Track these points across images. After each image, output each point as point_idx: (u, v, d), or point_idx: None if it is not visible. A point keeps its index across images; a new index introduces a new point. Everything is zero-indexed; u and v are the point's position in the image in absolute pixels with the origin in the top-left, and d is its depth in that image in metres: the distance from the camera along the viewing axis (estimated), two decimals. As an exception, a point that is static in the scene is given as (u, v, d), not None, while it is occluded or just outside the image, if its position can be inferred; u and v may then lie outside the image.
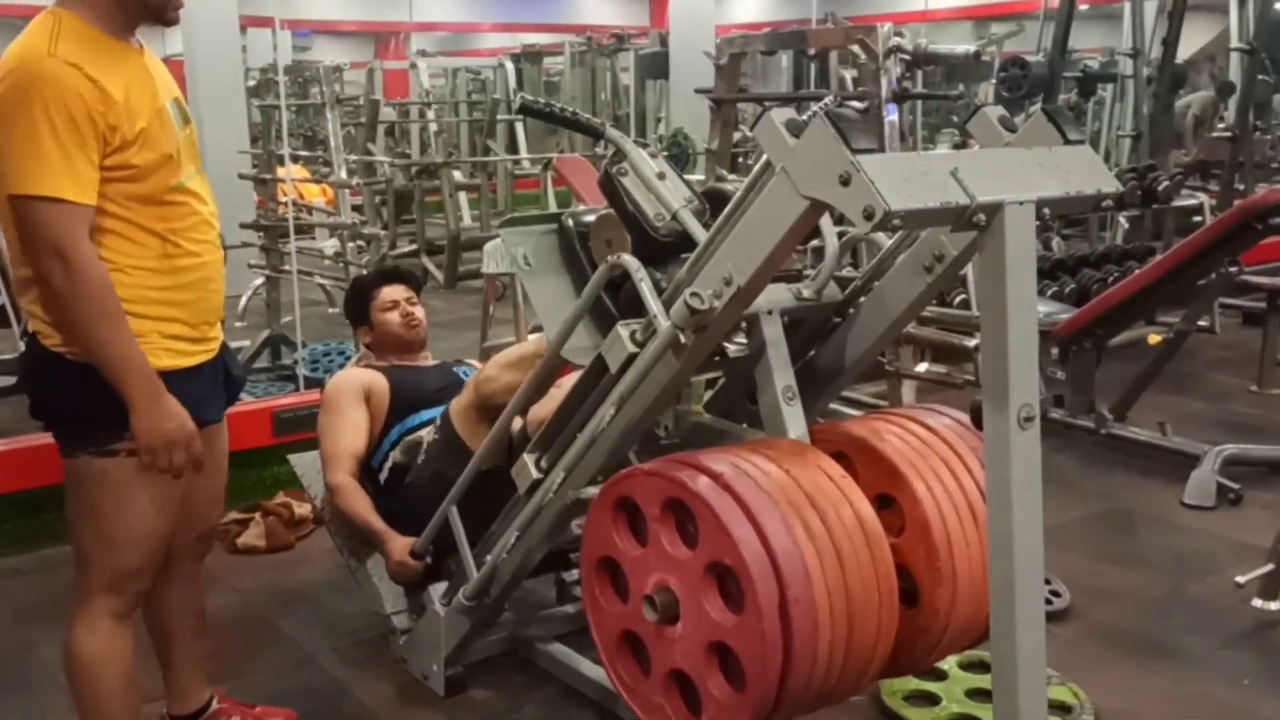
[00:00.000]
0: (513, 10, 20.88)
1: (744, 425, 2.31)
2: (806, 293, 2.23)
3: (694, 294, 1.88)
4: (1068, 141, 1.90)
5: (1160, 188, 6.52)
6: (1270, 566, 3.16)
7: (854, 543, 1.90)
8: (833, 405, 4.55)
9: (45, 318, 2.00)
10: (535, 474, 2.31)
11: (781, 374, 2.13)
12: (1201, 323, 6.76)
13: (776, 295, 2.18)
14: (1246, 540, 3.63)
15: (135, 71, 2.00)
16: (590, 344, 2.21)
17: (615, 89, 12.59)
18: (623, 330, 2.05)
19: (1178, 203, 6.96)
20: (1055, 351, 4.85)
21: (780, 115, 1.76)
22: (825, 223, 2.18)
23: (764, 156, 1.81)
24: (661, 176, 2.16)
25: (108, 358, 1.95)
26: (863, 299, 2.28)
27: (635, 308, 2.11)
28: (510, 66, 11.60)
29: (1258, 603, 3.18)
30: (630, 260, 2.03)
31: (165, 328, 2.05)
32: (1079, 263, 6.41)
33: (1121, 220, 7.82)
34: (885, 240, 2.24)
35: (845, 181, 1.63)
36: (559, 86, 13.64)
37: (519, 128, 10.57)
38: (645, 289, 1.99)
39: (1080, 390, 4.70)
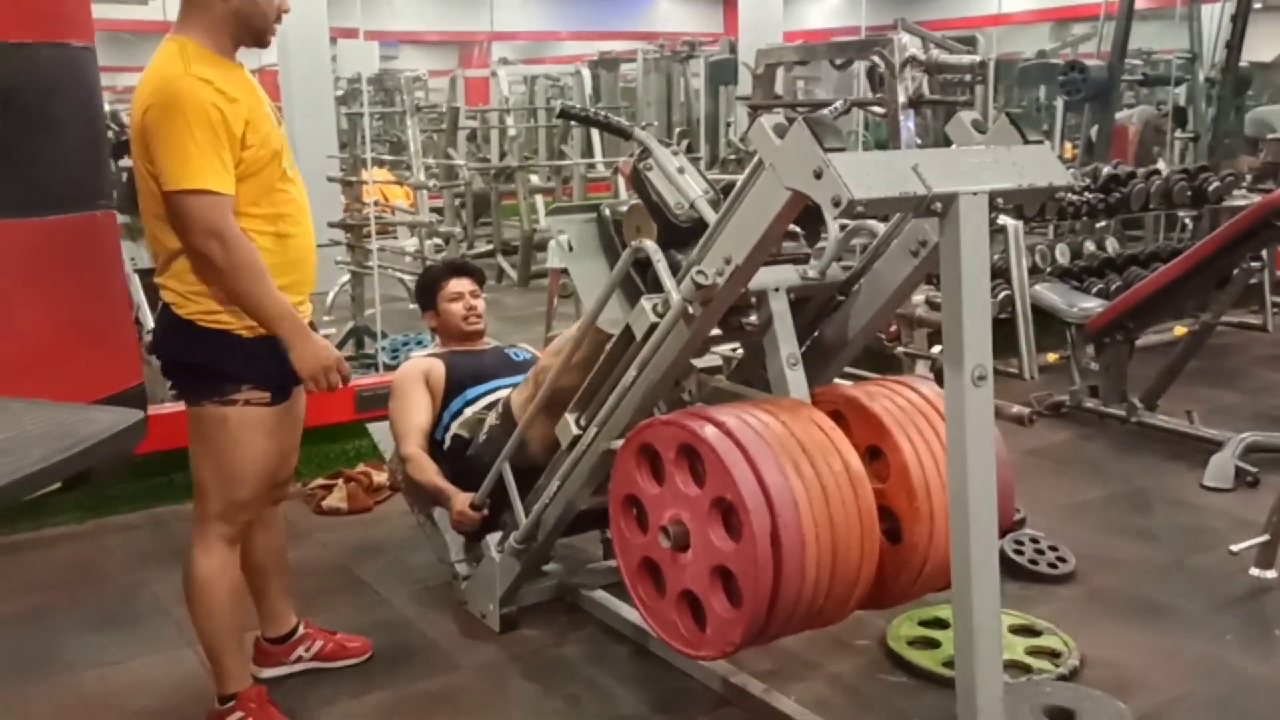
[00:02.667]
0: (591, 19, 21.35)
1: (758, 390, 2.64)
2: (811, 273, 2.55)
3: (699, 272, 2.22)
4: (1027, 141, 2.21)
5: (1210, 188, 6.66)
6: (1266, 537, 3.39)
7: (839, 482, 2.21)
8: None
9: (179, 290, 2.40)
10: (575, 430, 2.67)
11: (786, 343, 2.47)
12: (1254, 320, 6.90)
13: (783, 274, 2.51)
14: (1257, 519, 3.80)
15: (245, 83, 2.41)
16: (622, 316, 2.56)
17: (687, 94, 12.93)
18: (646, 303, 2.40)
19: (1231, 203, 7.06)
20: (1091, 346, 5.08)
21: (770, 120, 2.09)
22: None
23: (756, 155, 2.14)
24: (682, 171, 2.50)
25: (264, 311, 2.36)
26: (863, 280, 2.60)
27: (660, 283, 2.44)
28: (586, 73, 12.00)
29: (1254, 571, 3.41)
30: (650, 244, 2.38)
31: None
32: (1128, 261, 6.57)
33: (1188, 222, 7.94)
34: (880, 229, 2.56)
35: (818, 175, 1.95)
36: (635, 92, 14.03)
37: (594, 132, 10.95)
38: (662, 269, 2.34)
39: (1113, 381, 4.91)
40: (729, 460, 2.16)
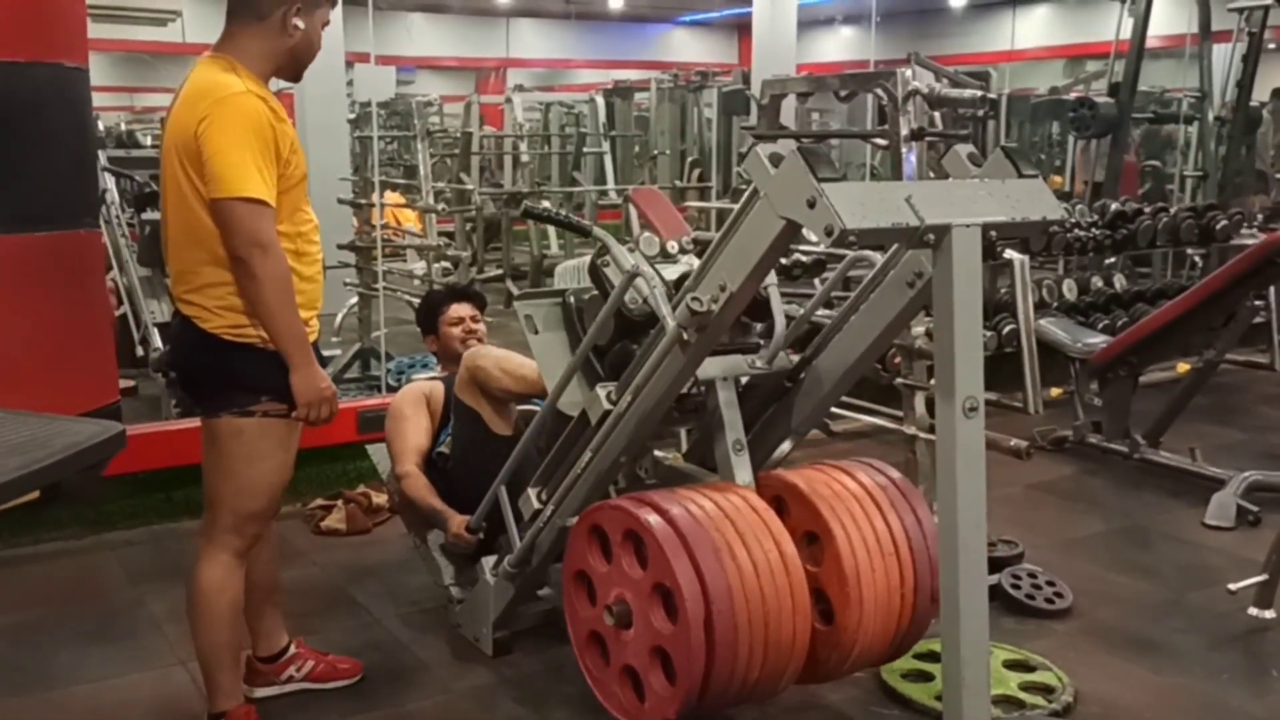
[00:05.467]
0: (606, 47, 21.52)
1: (711, 470, 2.70)
2: (759, 363, 2.65)
3: (695, 298, 2.24)
4: (1022, 175, 2.22)
5: (1218, 227, 6.67)
6: (1265, 576, 3.37)
7: (773, 570, 2.33)
8: (872, 420, 4.81)
9: (205, 305, 2.43)
10: (536, 504, 2.79)
11: (732, 430, 2.58)
12: (1262, 359, 6.88)
13: (730, 364, 2.62)
14: (1257, 558, 3.78)
15: (281, 108, 2.47)
16: (580, 399, 2.67)
17: (700, 124, 13.01)
18: (600, 391, 2.53)
19: (1239, 241, 7.06)
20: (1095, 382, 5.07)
21: (765, 150, 2.11)
22: (775, 301, 2.61)
23: (752, 184, 2.15)
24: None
25: (281, 328, 2.39)
26: (816, 361, 2.66)
27: (616, 370, 2.59)
28: (600, 101, 12.08)
29: (1253, 610, 3.38)
30: (646, 270, 2.40)
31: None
32: (1135, 297, 6.58)
33: (1198, 260, 7.94)
34: (878, 259, 2.57)
35: (811, 204, 1.97)
36: (648, 121, 14.11)
37: (607, 160, 11.01)
38: (658, 295, 2.36)
39: (1116, 416, 4.90)
40: (669, 549, 2.29)
